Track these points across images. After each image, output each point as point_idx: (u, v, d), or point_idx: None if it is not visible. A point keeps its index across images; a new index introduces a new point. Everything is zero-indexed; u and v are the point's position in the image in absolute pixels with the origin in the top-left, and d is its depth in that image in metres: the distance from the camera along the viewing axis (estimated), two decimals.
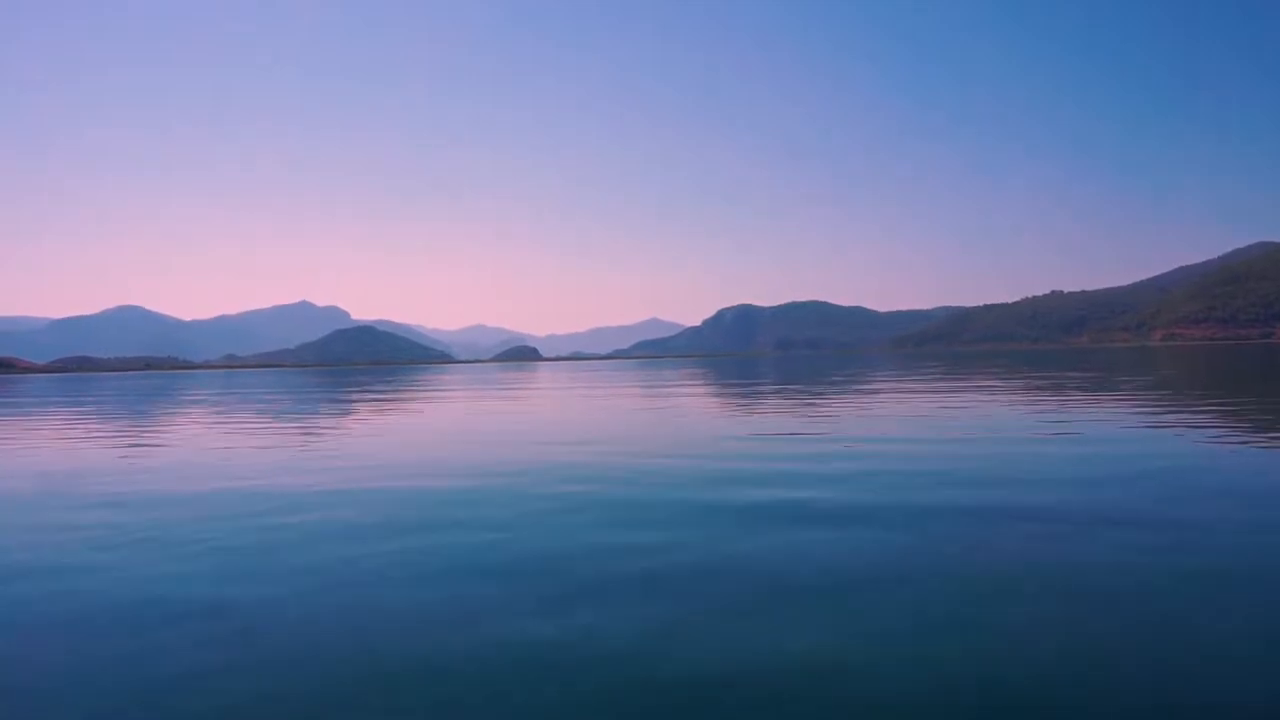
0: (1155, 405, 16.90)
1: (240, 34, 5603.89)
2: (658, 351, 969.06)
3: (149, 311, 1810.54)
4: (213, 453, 12.67)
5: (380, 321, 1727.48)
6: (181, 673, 3.66)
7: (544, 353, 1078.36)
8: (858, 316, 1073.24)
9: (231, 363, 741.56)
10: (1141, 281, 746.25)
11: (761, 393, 26.71)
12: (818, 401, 20.99)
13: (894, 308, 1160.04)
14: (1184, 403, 17.55)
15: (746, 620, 4.13)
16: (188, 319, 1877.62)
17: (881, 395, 23.08)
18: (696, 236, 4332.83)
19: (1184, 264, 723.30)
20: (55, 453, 13.41)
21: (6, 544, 6.45)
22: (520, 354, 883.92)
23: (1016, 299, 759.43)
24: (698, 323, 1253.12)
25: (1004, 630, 3.91)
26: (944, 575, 4.83)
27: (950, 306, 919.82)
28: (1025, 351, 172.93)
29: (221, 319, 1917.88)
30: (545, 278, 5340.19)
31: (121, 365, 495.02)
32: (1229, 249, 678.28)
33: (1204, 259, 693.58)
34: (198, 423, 19.05)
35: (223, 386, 47.16)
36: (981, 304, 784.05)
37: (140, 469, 10.74)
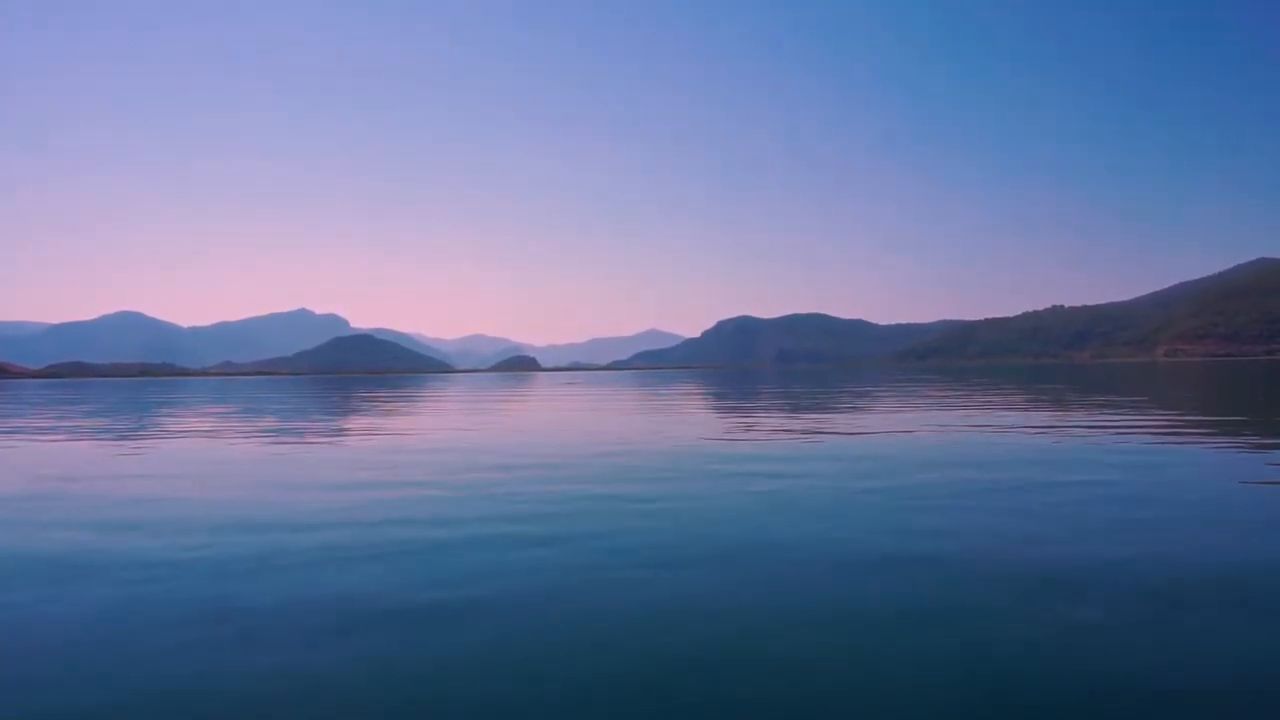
0: None
1: (242, 39, 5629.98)
2: (656, 363, 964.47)
3: (147, 318, 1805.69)
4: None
5: (379, 330, 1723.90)
6: None
7: (543, 363, 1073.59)
8: (858, 329, 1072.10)
9: (228, 370, 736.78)
10: (1142, 297, 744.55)
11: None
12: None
13: (894, 321, 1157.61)
14: None
15: None
16: (186, 325, 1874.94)
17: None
18: (696, 248, 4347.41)
19: (1185, 279, 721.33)
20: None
21: None
22: (519, 364, 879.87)
23: (1017, 313, 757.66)
24: (697, 334, 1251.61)
25: None
26: None
27: (951, 320, 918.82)
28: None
29: (220, 326, 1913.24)
30: (545, 288, 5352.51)
31: (116, 371, 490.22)
32: (1230, 265, 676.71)
33: (1204, 274, 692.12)
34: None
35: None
36: (982, 318, 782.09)
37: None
